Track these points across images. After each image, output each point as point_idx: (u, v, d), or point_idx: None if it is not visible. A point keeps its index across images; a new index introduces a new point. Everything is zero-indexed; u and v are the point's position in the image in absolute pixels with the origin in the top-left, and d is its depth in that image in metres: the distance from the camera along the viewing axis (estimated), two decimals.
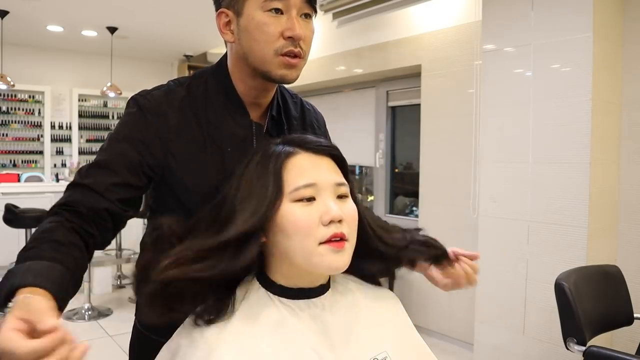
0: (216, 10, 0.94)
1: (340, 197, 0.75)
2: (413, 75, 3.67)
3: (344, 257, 0.72)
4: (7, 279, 0.67)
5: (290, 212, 0.70)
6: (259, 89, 0.96)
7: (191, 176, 0.91)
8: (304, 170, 0.73)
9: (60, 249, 0.73)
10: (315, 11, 0.92)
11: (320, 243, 0.70)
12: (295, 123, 1.05)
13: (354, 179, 4.25)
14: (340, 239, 0.71)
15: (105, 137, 0.96)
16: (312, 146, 0.76)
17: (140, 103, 0.91)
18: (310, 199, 0.72)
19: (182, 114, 0.92)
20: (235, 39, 0.91)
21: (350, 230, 0.73)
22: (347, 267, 0.73)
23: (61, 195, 0.85)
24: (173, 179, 0.91)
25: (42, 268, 0.69)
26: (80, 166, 0.90)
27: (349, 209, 0.74)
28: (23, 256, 0.73)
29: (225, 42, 0.97)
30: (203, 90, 0.95)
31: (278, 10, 0.86)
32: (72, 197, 0.82)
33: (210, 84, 0.97)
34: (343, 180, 0.76)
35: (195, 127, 0.92)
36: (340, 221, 0.71)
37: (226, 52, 1.00)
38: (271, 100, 1.00)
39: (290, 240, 0.71)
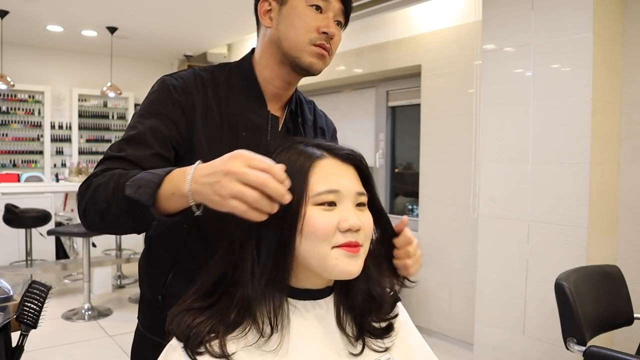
0: None
1: (359, 205, 0.75)
2: (413, 75, 3.67)
3: (358, 262, 0.72)
4: (142, 180, 0.75)
5: (310, 215, 0.70)
6: (283, 78, 1.00)
7: (208, 158, 0.93)
8: (329, 175, 0.73)
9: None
10: (346, 24, 1.00)
11: (334, 247, 0.70)
12: (310, 124, 1.10)
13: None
14: (355, 245, 0.71)
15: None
16: (340, 153, 0.76)
17: (167, 82, 0.96)
18: (331, 204, 0.72)
19: (205, 96, 0.97)
20: (272, 24, 0.97)
21: (365, 238, 0.74)
22: (359, 273, 0.73)
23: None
24: (194, 159, 0.93)
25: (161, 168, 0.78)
26: (111, 143, 0.93)
27: (366, 218, 0.75)
28: (127, 178, 0.78)
29: (258, 31, 1.03)
30: (226, 79, 1.01)
31: (318, 8, 0.94)
32: (111, 166, 0.86)
33: (233, 73, 1.02)
34: (364, 190, 0.76)
35: (215, 110, 0.97)
36: (357, 230, 0.72)
37: (252, 50, 1.05)
38: (291, 97, 1.05)
39: (306, 242, 0.71)
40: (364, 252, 0.74)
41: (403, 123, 4.08)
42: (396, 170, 4.12)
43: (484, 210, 2.73)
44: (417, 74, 3.58)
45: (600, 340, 1.98)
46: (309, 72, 0.97)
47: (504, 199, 2.61)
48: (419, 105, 3.56)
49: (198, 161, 0.73)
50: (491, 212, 2.68)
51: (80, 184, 0.88)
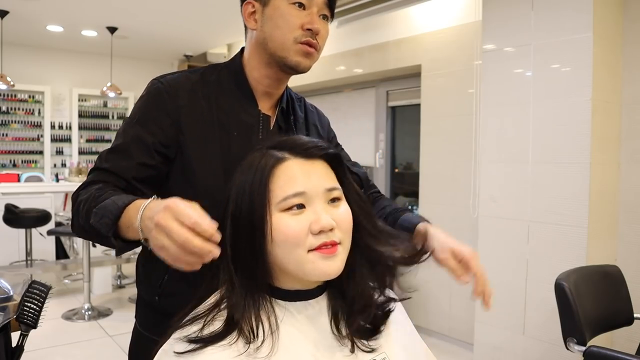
0: (243, 0, 1.01)
1: (333, 200, 0.73)
2: (413, 75, 3.67)
3: (336, 262, 0.71)
4: (105, 209, 0.78)
5: (278, 222, 0.69)
6: (272, 77, 1.01)
7: (200, 156, 0.95)
8: (293, 178, 0.70)
9: (122, 193, 0.86)
10: (332, 16, 1.00)
11: (310, 250, 0.69)
12: (301, 122, 1.09)
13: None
14: (331, 245, 0.70)
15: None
16: (302, 150, 0.73)
17: (154, 86, 0.98)
18: (300, 207, 0.70)
19: (194, 96, 0.97)
20: (257, 26, 0.98)
21: (343, 235, 0.72)
22: (340, 272, 0.71)
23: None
24: (185, 158, 0.96)
25: (125, 196, 0.81)
26: (101, 152, 0.97)
27: (341, 213, 0.72)
28: (96, 203, 0.81)
29: (245, 32, 1.04)
30: (216, 79, 1.01)
31: (301, 5, 0.94)
32: (97, 178, 0.91)
33: (224, 73, 1.02)
34: (335, 184, 0.74)
35: (205, 110, 0.97)
36: (331, 229, 0.70)
37: (241, 50, 1.05)
38: (282, 95, 1.05)
39: (280, 249, 0.70)
40: (343, 249, 0.72)
41: (403, 123, 4.08)
42: (396, 171, 4.11)
43: (484, 210, 2.73)
44: (417, 74, 3.58)
45: (600, 340, 1.98)
46: (296, 70, 0.97)
47: (504, 199, 2.61)
48: (419, 105, 3.56)
49: (153, 197, 0.74)
50: (491, 212, 2.68)
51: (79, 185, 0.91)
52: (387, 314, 0.80)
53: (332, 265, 0.70)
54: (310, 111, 1.14)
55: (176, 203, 0.64)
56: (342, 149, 1.21)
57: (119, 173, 0.90)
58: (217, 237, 0.63)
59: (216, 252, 0.63)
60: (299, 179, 0.71)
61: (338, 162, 0.77)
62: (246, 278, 0.71)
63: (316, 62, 1.00)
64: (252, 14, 0.98)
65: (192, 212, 0.63)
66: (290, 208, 0.70)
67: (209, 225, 0.63)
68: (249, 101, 1.01)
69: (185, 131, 0.95)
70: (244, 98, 1.00)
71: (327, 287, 0.78)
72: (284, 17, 0.93)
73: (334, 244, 0.70)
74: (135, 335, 1.07)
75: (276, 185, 0.70)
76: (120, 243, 0.79)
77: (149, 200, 0.72)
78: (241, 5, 1.01)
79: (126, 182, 0.91)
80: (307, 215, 0.70)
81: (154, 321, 1.00)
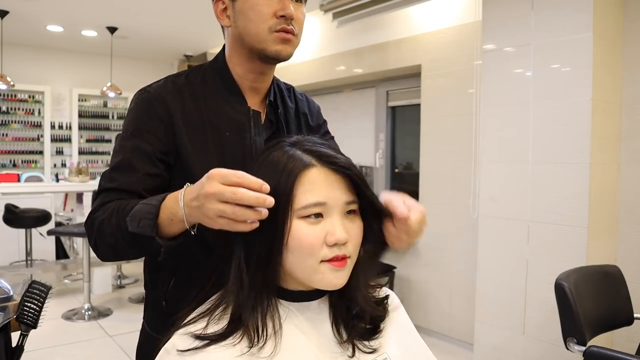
0: None
1: (349, 212, 0.74)
2: (413, 75, 3.67)
3: (343, 275, 0.72)
4: (140, 213, 0.78)
5: (296, 229, 0.70)
6: (256, 71, 0.99)
7: (197, 160, 0.93)
8: (317, 186, 0.71)
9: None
10: None
11: (322, 261, 0.70)
12: (292, 113, 1.08)
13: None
14: (342, 258, 0.71)
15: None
16: (329, 161, 0.73)
17: (141, 96, 0.96)
18: (318, 216, 0.71)
19: (181, 99, 0.96)
20: (231, 22, 0.96)
21: (353, 248, 0.73)
22: (345, 283, 0.73)
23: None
24: (184, 164, 0.94)
25: (154, 196, 0.81)
26: (103, 172, 0.96)
27: (355, 228, 0.74)
28: (125, 214, 0.81)
29: (223, 30, 1.02)
30: (201, 79, 1.00)
31: None
32: (107, 199, 0.89)
33: (209, 73, 1.01)
34: (354, 198, 0.74)
35: (195, 113, 0.96)
36: (344, 243, 0.71)
37: (223, 46, 1.03)
38: (269, 88, 1.04)
39: (292, 255, 0.70)
40: (351, 262, 0.73)
41: (403, 123, 4.08)
42: (396, 170, 4.11)
43: (484, 210, 2.73)
44: (417, 74, 3.58)
45: (600, 340, 1.98)
46: (278, 59, 0.95)
47: (504, 199, 2.61)
48: (419, 105, 3.56)
49: (186, 184, 0.75)
50: (491, 212, 2.68)
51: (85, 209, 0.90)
52: (385, 313, 0.81)
53: (340, 278, 0.71)
54: (300, 100, 1.12)
55: (217, 170, 0.68)
56: (332, 137, 1.19)
57: (128, 189, 0.89)
58: (267, 187, 0.67)
59: (270, 201, 0.66)
60: (322, 188, 0.71)
61: (357, 182, 0.76)
62: (257, 278, 0.71)
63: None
64: (223, 11, 0.97)
65: (233, 172, 0.67)
66: (308, 216, 0.70)
67: (254, 179, 0.66)
68: (236, 98, 0.99)
69: (180, 136, 0.93)
70: (232, 96, 0.99)
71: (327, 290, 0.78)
72: (254, 9, 0.91)
73: (344, 257, 0.71)
74: (144, 336, 1.06)
75: (299, 191, 0.70)
76: (166, 241, 0.78)
77: (184, 188, 0.75)
78: (213, 4, 0.99)
79: (138, 195, 0.89)
80: (323, 226, 0.70)
81: (162, 323, 1.00)
